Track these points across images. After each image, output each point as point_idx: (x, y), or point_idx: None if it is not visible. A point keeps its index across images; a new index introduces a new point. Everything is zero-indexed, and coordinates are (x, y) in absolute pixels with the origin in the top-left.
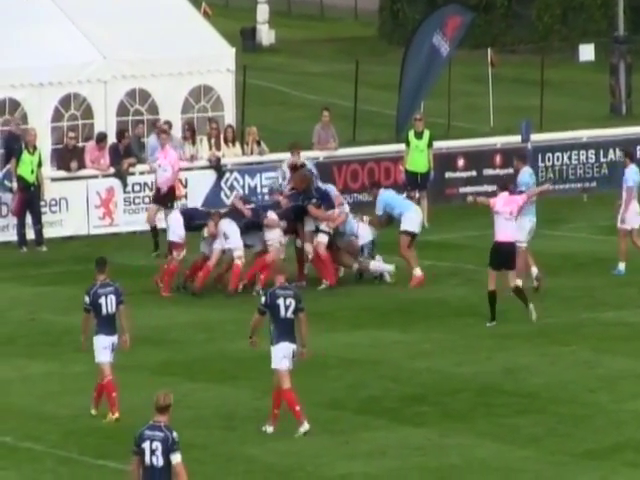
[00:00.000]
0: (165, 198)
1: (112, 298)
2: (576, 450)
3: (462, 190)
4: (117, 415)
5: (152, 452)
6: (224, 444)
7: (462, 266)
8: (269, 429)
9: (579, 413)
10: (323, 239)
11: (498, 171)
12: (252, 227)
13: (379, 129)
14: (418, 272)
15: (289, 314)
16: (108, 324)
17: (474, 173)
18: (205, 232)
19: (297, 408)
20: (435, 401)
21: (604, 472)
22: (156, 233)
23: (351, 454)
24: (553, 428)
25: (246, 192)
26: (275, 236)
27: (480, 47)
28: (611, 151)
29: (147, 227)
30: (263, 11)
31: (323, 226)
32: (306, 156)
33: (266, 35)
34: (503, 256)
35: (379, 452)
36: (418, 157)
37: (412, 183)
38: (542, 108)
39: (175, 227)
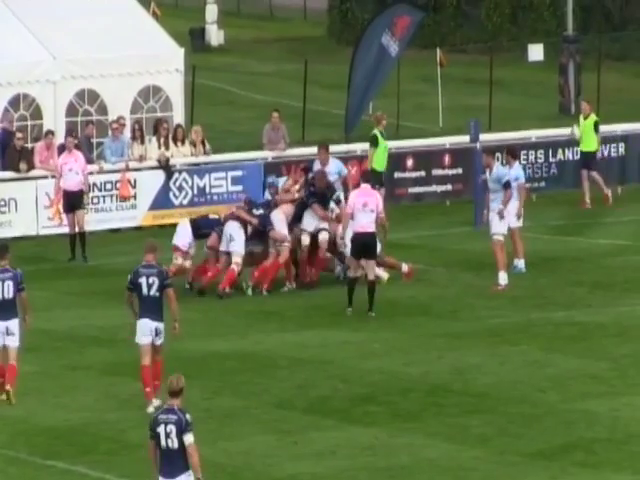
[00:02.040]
0: (77, 202)
1: (9, 284)
2: (526, 450)
3: (411, 190)
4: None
5: (167, 435)
6: None
7: (412, 266)
8: (155, 403)
9: (529, 413)
10: (324, 237)
11: (447, 171)
12: (256, 234)
13: (328, 129)
14: (405, 267)
15: (152, 292)
16: (2, 309)
17: (423, 173)
18: (208, 241)
19: (147, 389)
20: (385, 401)
21: (554, 472)
22: (74, 241)
23: (300, 454)
24: (503, 428)
25: (195, 192)
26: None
27: (429, 47)
28: (560, 151)
29: (96, 228)
30: (212, 11)
31: (324, 225)
32: (261, 156)
33: (215, 35)
34: (362, 246)
35: (328, 452)
36: (383, 157)
37: (379, 182)
38: (491, 108)
39: (179, 235)
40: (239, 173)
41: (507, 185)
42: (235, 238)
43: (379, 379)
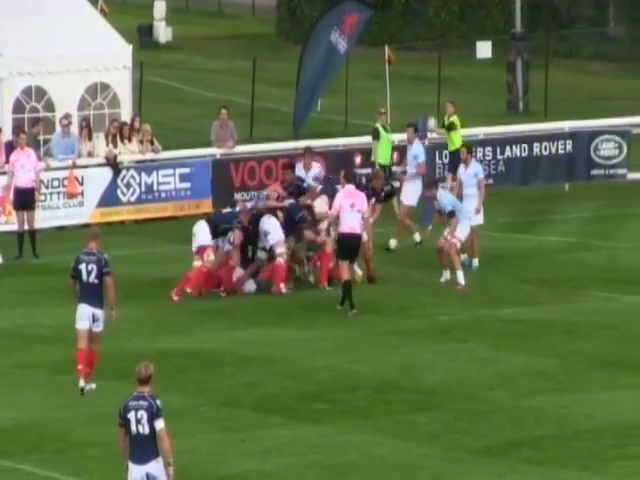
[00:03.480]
0: (29, 200)
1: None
2: (474, 447)
3: None
4: None
5: (138, 421)
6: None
7: (362, 263)
8: (88, 386)
9: (477, 410)
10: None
11: (396, 167)
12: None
13: (276, 126)
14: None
15: (91, 279)
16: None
17: (372, 170)
18: (230, 238)
19: (79, 367)
20: (333, 398)
21: (501, 469)
22: (22, 239)
23: (248, 452)
24: (451, 425)
25: (142, 190)
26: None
27: (377, 44)
28: (508, 148)
29: (43, 225)
30: (160, 8)
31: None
32: (209, 153)
33: (163, 32)
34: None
35: (276, 450)
36: (387, 150)
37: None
38: (439, 105)
39: (200, 235)
40: (187, 170)
41: (451, 214)
42: (270, 230)
43: (327, 377)
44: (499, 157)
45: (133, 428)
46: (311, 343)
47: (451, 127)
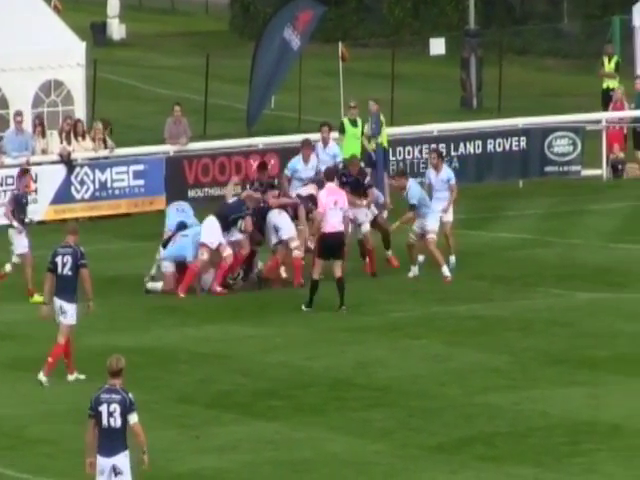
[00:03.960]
0: None
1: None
2: (427, 443)
3: None
4: None
5: (110, 414)
6: (76, 439)
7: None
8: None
9: (430, 406)
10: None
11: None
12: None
13: (230, 123)
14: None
15: (65, 271)
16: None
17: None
18: (241, 226)
19: (50, 360)
20: (287, 395)
21: (454, 466)
22: None
23: (202, 449)
24: (404, 422)
25: (96, 187)
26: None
27: (331, 41)
28: (462, 145)
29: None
30: (114, 5)
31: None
32: (163, 150)
33: (117, 29)
34: (331, 247)
35: (230, 446)
36: (355, 145)
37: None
38: (393, 102)
39: (206, 231)
40: (141, 167)
41: (412, 207)
42: (281, 225)
43: (281, 373)
44: (453, 154)
45: (104, 421)
46: (265, 340)
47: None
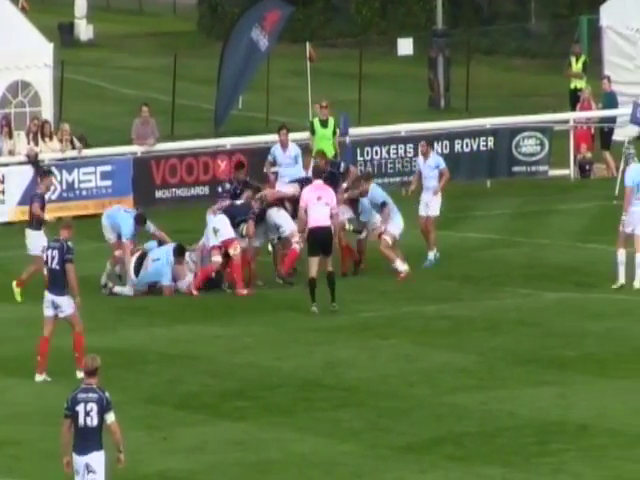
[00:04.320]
0: None
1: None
2: (396, 444)
3: None
4: None
5: (87, 413)
6: (43, 440)
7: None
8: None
9: (399, 407)
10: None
11: None
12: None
13: (198, 123)
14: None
15: (53, 265)
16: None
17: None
18: (243, 231)
19: (38, 358)
20: (255, 396)
21: (423, 465)
22: None
23: (170, 449)
24: (373, 422)
25: (64, 188)
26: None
27: (299, 41)
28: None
29: None
30: (81, 6)
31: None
32: (130, 150)
33: (84, 30)
34: (319, 242)
35: (198, 447)
36: (325, 145)
37: None
38: (360, 102)
39: (224, 229)
40: (108, 168)
41: (384, 204)
42: (281, 223)
43: (250, 374)
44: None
45: (81, 420)
46: (233, 340)
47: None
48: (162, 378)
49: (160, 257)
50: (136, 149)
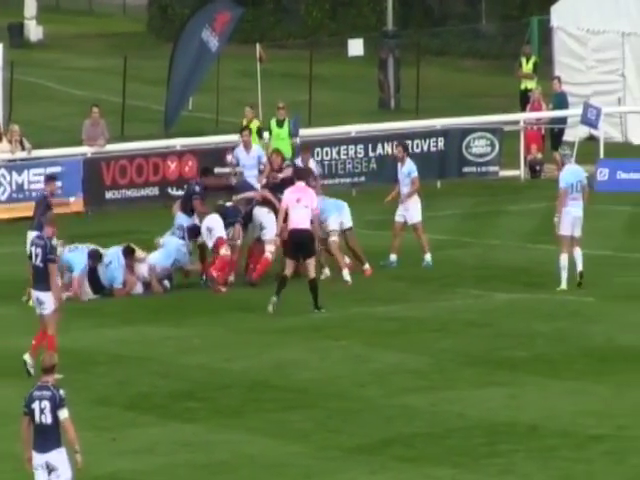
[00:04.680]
0: None
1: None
2: (346, 445)
3: None
4: None
5: (41, 411)
6: None
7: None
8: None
9: (349, 408)
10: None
11: None
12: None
13: (148, 124)
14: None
15: (37, 262)
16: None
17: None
18: (230, 233)
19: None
20: (204, 397)
21: (373, 467)
22: None
23: (119, 451)
24: (323, 423)
25: (13, 189)
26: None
27: (249, 42)
28: (380, 146)
29: None
30: (31, 6)
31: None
32: (80, 152)
33: (34, 31)
34: (298, 244)
35: (147, 449)
36: (281, 145)
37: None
38: (311, 103)
39: (218, 228)
40: (58, 169)
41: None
42: (266, 225)
43: (199, 375)
44: (371, 155)
45: (37, 418)
46: (183, 341)
47: (260, 132)
48: (112, 379)
49: (112, 260)
50: (86, 150)
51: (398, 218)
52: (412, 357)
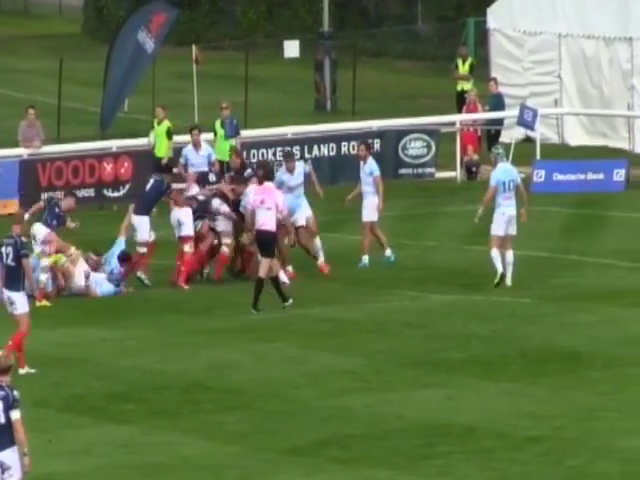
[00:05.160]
0: None
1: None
2: (281, 446)
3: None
4: None
5: None
6: None
7: (169, 263)
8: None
9: (284, 409)
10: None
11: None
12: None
13: (84, 126)
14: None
15: (8, 261)
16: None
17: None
18: (197, 226)
19: (17, 354)
20: (140, 398)
21: (309, 468)
22: None
23: (55, 452)
24: (259, 424)
25: None
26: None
27: (185, 44)
28: (316, 147)
29: None
30: None
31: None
32: (16, 153)
33: None
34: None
35: (83, 450)
36: (225, 146)
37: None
38: (247, 104)
39: (187, 224)
40: None
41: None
42: (219, 217)
43: (135, 377)
44: (307, 156)
45: None
46: (119, 343)
47: (169, 133)
48: (48, 381)
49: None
50: (22, 151)
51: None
52: (348, 358)
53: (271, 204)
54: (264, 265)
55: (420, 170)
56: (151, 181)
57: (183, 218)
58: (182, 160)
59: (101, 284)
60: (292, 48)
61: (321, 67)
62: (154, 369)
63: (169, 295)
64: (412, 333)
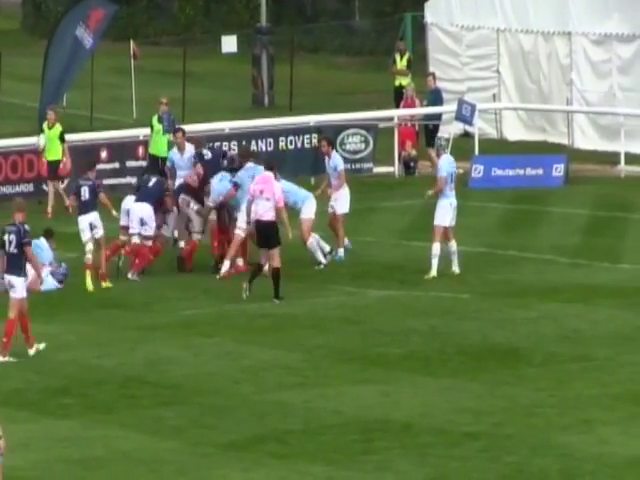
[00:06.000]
0: None
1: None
2: (219, 441)
3: (106, 182)
4: None
5: None
6: None
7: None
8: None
9: (223, 404)
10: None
11: (142, 162)
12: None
13: (22, 121)
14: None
15: (11, 249)
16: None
17: (117, 165)
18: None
19: (4, 339)
20: (79, 393)
21: (247, 463)
22: None
23: None
24: (196, 419)
25: None
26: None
27: (123, 39)
28: (254, 142)
29: None
30: None
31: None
32: None
33: None
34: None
35: (22, 445)
36: (161, 141)
37: (154, 167)
38: (184, 100)
39: (149, 221)
40: None
41: (235, 185)
42: (193, 218)
43: (73, 371)
44: None
45: None
46: (56, 337)
47: (62, 136)
48: None
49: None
50: None
51: (330, 210)
52: (286, 354)
53: (269, 194)
54: (274, 255)
55: (358, 165)
56: (153, 179)
57: (147, 218)
58: (168, 163)
59: (45, 280)
60: (230, 43)
61: (258, 62)
62: (92, 364)
63: (107, 290)
64: (350, 329)
